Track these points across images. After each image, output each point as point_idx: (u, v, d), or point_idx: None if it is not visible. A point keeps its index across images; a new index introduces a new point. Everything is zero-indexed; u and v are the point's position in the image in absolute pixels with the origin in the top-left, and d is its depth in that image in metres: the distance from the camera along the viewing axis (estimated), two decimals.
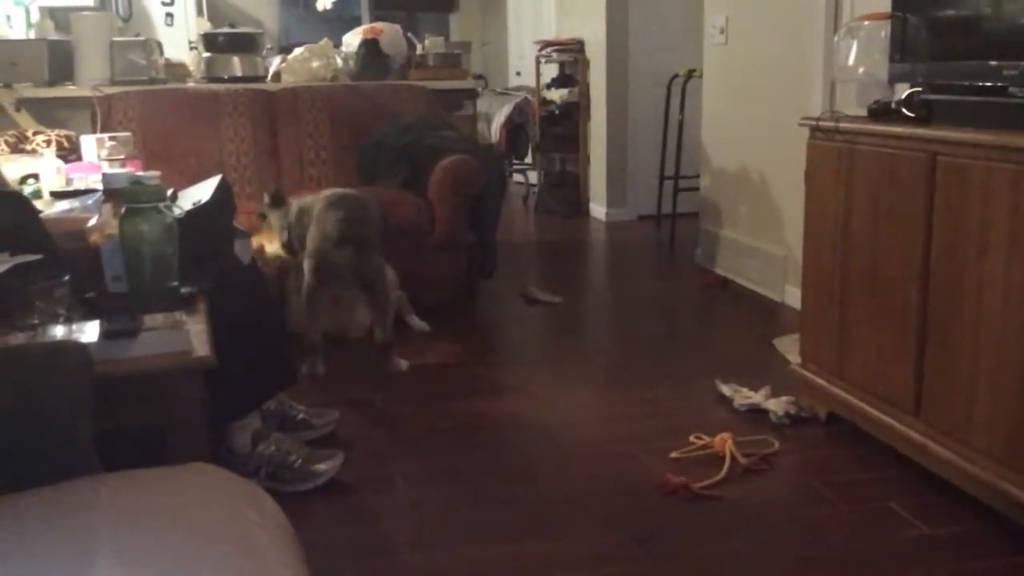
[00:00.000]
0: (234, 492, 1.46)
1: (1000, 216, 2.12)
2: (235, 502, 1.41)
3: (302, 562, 1.33)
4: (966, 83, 2.35)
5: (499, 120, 7.12)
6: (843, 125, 2.69)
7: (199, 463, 1.56)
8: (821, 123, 2.80)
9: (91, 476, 1.48)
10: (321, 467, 2.55)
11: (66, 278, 1.89)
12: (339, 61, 5.37)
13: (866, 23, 2.89)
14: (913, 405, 2.47)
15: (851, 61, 2.89)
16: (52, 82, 4.84)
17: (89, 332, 1.81)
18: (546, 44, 7.26)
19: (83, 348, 1.64)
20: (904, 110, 2.53)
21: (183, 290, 2.05)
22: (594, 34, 6.72)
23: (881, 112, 2.63)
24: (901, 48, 2.57)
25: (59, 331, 1.82)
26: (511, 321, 4.36)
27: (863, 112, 2.72)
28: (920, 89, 2.52)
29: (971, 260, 2.22)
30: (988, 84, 2.26)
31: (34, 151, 3.76)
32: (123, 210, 2.04)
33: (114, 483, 1.46)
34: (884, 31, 2.69)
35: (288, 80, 5.21)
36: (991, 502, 2.21)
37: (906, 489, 2.48)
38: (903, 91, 2.59)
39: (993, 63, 2.24)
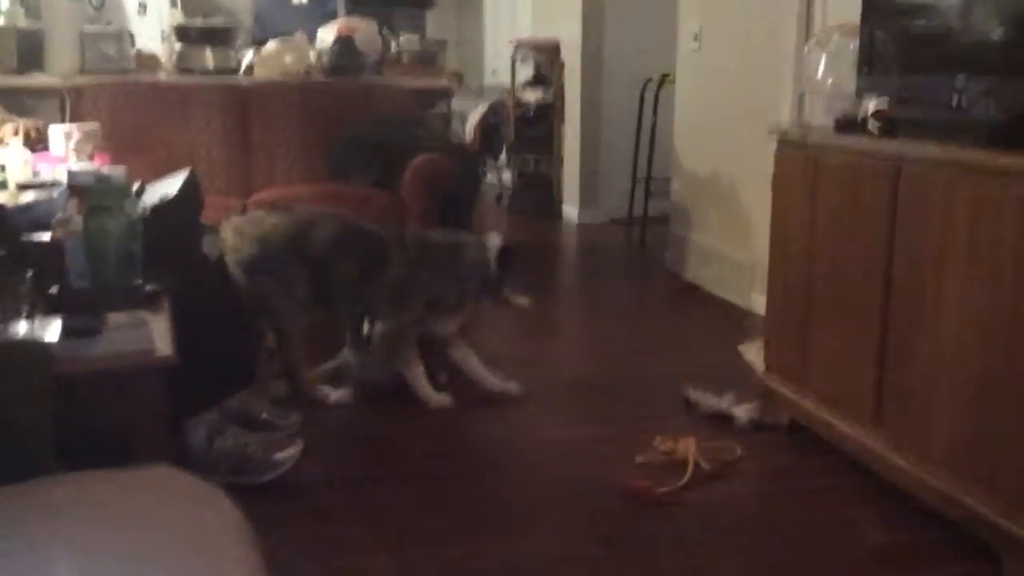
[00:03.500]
0: (194, 494, 1.45)
1: (960, 231, 2.15)
2: (195, 504, 1.41)
3: (260, 565, 1.33)
4: (931, 98, 2.38)
5: (473, 120, 7.12)
6: (810, 138, 2.72)
7: (160, 465, 1.55)
8: (789, 134, 2.83)
9: (50, 476, 1.47)
10: (281, 456, 2.53)
11: (29, 274, 1.87)
12: (313, 56, 5.34)
13: (836, 35, 2.92)
14: (873, 414, 2.50)
15: (820, 73, 2.91)
16: (21, 71, 4.78)
17: (51, 329, 1.79)
18: (522, 43, 7.27)
19: (44, 347, 1.63)
20: (870, 123, 2.56)
21: (147, 288, 2.04)
22: (570, 36, 6.73)
23: (847, 125, 2.66)
24: (869, 61, 2.60)
25: (21, 328, 1.80)
26: (479, 322, 4.36)
27: (831, 123, 2.75)
28: (886, 104, 2.55)
29: (931, 273, 2.26)
30: (952, 100, 2.29)
31: (1, 140, 3.71)
32: (87, 207, 2.03)
33: (73, 484, 1.45)
34: (853, 43, 2.72)
35: (260, 74, 5.17)
36: (948, 512, 2.25)
37: (865, 498, 2.51)
38: (870, 104, 2.62)
39: (958, 78, 2.27)
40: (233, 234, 3.04)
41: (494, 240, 3.21)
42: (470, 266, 3.15)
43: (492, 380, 3.24)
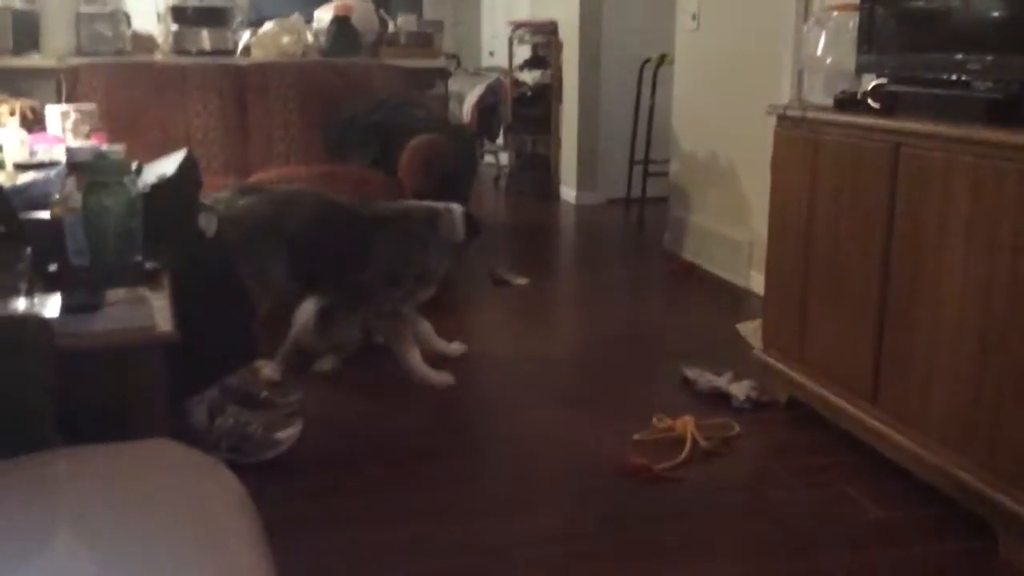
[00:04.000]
0: (194, 466, 1.46)
1: (959, 207, 2.16)
2: (195, 476, 1.42)
3: (261, 536, 1.33)
4: (931, 75, 2.38)
5: (471, 100, 7.10)
6: (809, 115, 2.72)
7: (160, 438, 1.56)
8: (788, 112, 2.83)
9: (51, 451, 1.47)
10: (281, 435, 2.55)
11: (27, 251, 1.87)
12: (310, 37, 5.32)
13: (835, 13, 2.91)
14: (871, 392, 2.51)
15: (819, 51, 2.91)
16: (17, 52, 4.75)
17: (50, 306, 1.79)
18: (519, 25, 7.24)
19: (44, 322, 1.63)
20: (869, 101, 2.56)
21: (147, 265, 2.04)
22: (567, 16, 6.71)
23: (847, 102, 2.66)
24: (868, 39, 2.59)
25: (20, 304, 1.80)
26: (478, 302, 4.37)
27: (830, 101, 2.75)
28: (885, 80, 2.55)
29: (930, 250, 2.26)
30: (952, 77, 2.29)
31: None
32: (86, 184, 2.02)
33: (74, 458, 1.45)
34: (852, 21, 2.71)
35: (258, 55, 5.15)
36: (945, 488, 2.26)
37: (863, 474, 2.52)
38: (870, 82, 2.62)
39: (957, 56, 2.27)
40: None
41: (457, 208, 3.23)
42: (446, 234, 3.18)
43: (443, 344, 3.39)
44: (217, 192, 3.12)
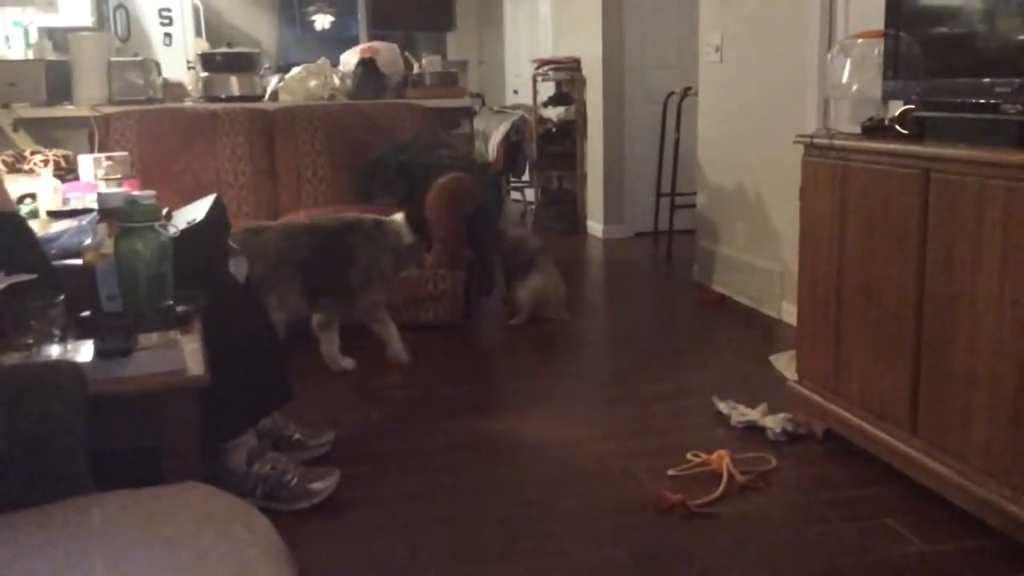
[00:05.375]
0: (227, 511, 1.46)
1: (993, 232, 2.13)
2: (228, 521, 1.41)
3: None
4: (959, 100, 2.36)
5: (496, 138, 7.14)
6: (837, 142, 2.70)
7: (192, 482, 1.56)
8: (815, 140, 2.81)
9: (85, 495, 1.48)
10: (317, 486, 2.54)
11: (61, 298, 1.89)
12: (336, 80, 5.39)
13: (859, 41, 2.90)
14: (910, 422, 2.47)
15: (845, 79, 2.90)
16: (50, 102, 4.86)
17: (83, 351, 1.81)
18: (543, 63, 7.29)
19: (77, 367, 1.64)
20: (897, 127, 2.54)
21: (178, 309, 2.05)
22: (590, 52, 6.75)
23: (875, 129, 2.64)
24: (894, 65, 2.58)
25: (54, 350, 1.82)
26: (508, 339, 4.36)
27: (857, 129, 2.73)
28: (913, 106, 2.53)
29: (965, 276, 2.23)
30: (981, 101, 2.27)
31: (31, 171, 3.77)
32: (118, 230, 2.04)
33: (108, 502, 1.46)
34: (877, 49, 2.70)
35: (285, 99, 5.23)
36: (988, 519, 2.21)
37: (903, 506, 2.47)
38: (896, 108, 2.60)
39: (986, 80, 2.25)
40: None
41: (399, 216, 3.76)
42: (393, 238, 3.69)
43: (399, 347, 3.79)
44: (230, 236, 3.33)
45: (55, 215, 3.11)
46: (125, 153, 4.01)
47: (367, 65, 5.38)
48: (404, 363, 3.74)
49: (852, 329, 2.71)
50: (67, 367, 1.64)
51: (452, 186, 4.20)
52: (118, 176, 3.60)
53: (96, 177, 3.62)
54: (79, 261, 2.27)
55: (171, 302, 2.04)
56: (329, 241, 3.57)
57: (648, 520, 2.45)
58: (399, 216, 3.74)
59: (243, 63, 5.33)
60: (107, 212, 2.40)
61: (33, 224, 2.87)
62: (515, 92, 8.77)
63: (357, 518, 2.50)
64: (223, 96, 5.17)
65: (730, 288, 4.89)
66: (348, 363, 3.74)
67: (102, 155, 3.78)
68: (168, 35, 6.96)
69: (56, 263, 2.28)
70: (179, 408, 1.75)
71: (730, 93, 4.87)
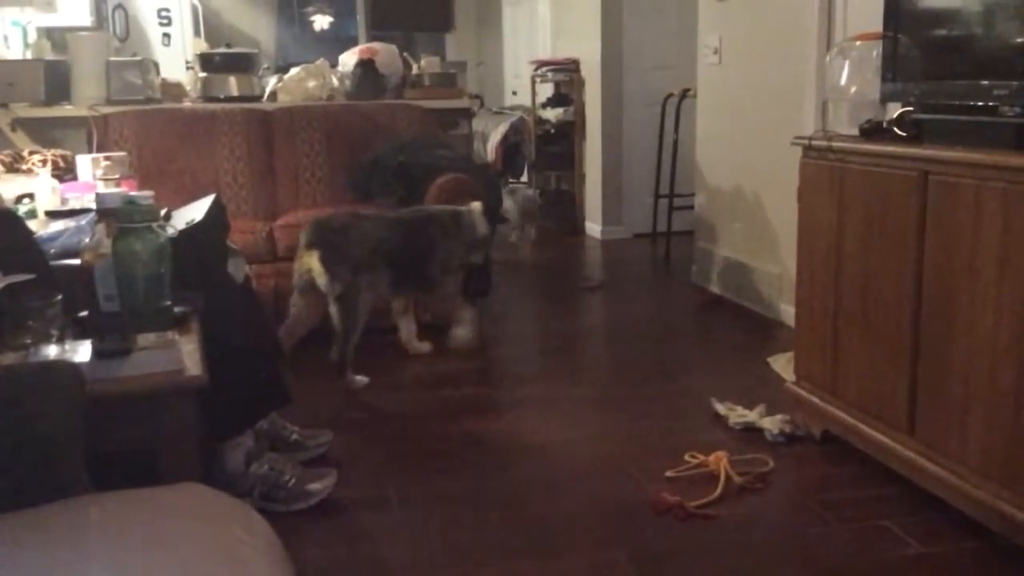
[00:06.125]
0: (224, 512, 1.46)
1: (991, 234, 2.13)
2: (225, 521, 1.41)
3: None
4: (957, 102, 2.36)
5: (495, 139, 7.14)
6: (835, 144, 2.71)
7: (190, 483, 1.56)
8: (813, 142, 2.82)
9: (82, 496, 1.48)
10: (315, 487, 2.54)
11: (58, 298, 1.89)
12: (335, 81, 5.39)
13: (858, 43, 2.90)
14: (907, 423, 2.47)
15: (843, 81, 2.90)
16: (48, 102, 4.86)
17: (81, 351, 1.81)
18: (541, 64, 7.30)
19: (75, 367, 1.64)
20: (896, 129, 2.54)
21: (176, 309, 2.05)
22: (589, 54, 6.75)
23: (873, 131, 2.65)
24: (893, 68, 2.58)
25: (51, 351, 1.82)
26: (506, 341, 4.36)
27: (855, 131, 2.73)
28: (911, 108, 2.53)
29: (963, 278, 2.23)
30: (979, 103, 2.27)
31: (30, 171, 3.77)
32: (116, 230, 2.04)
33: (105, 503, 1.46)
34: (876, 51, 2.70)
35: (284, 99, 5.23)
36: (986, 521, 2.21)
37: (901, 508, 2.47)
38: (895, 110, 2.60)
39: (984, 82, 2.25)
40: (321, 239, 3.53)
41: (477, 206, 3.89)
42: (468, 230, 3.85)
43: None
44: (326, 216, 3.70)
45: (53, 215, 3.10)
46: (123, 153, 4.00)
47: (366, 66, 5.37)
48: (469, 347, 3.95)
49: (850, 331, 2.71)
50: (65, 367, 1.64)
51: (450, 187, 4.20)
52: (116, 176, 3.59)
53: (94, 177, 3.62)
54: (77, 261, 2.27)
55: (169, 303, 2.04)
56: (413, 232, 3.73)
57: (646, 521, 2.45)
58: (477, 205, 3.87)
59: (242, 63, 5.32)
60: (105, 212, 2.40)
61: (31, 224, 2.87)
62: (514, 93, 8.77)
63: (354, 519, 2.50)
64: (222, 96, 5.16)
65: (728, 289, 4.89)
66: (425, 347, 3.94)
67: (100, 155, 3.78)
68: (167, 35, 6.96)
69: (54, 263, 2.28)
70: (177, 408, 1.75)
71: (729, 95, 4.87)
